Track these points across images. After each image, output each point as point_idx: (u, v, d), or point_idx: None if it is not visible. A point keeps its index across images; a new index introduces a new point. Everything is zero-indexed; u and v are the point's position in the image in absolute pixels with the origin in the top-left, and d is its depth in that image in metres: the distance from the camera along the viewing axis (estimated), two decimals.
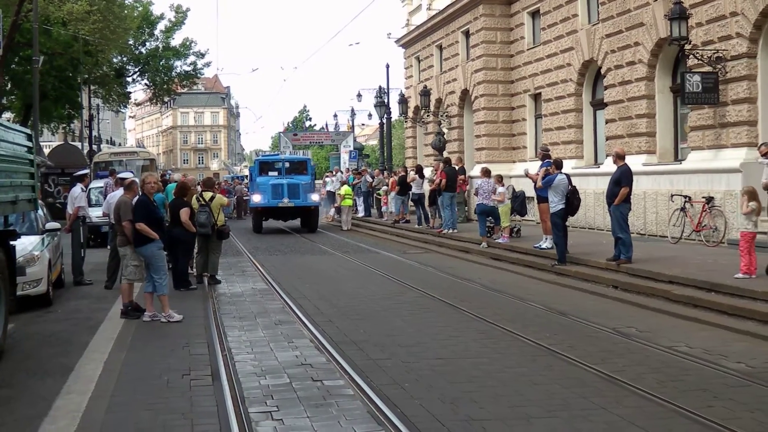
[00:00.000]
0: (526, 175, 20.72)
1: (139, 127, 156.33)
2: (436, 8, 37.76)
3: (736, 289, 13.10)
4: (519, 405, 8.09)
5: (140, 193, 13.93)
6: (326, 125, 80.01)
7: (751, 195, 14.23)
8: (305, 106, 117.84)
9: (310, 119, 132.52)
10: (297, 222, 35.42)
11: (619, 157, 16.63)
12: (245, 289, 16.84)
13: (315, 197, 33.92)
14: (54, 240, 16.59)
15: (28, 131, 14.16)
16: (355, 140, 69.21)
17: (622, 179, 16.28)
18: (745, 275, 13.70)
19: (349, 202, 35.96)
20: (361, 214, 38.90)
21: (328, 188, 41.53)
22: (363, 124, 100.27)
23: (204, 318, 13.52)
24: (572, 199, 17.88)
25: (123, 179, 18.10)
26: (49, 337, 12.24)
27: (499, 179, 22.79)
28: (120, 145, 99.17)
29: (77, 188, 18.61)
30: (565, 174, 18.21)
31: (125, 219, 13.23)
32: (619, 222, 16.36)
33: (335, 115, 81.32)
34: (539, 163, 20.22)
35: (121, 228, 13.53)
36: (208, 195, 17.78)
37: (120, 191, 17.30)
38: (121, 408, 8.23)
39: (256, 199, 32.96)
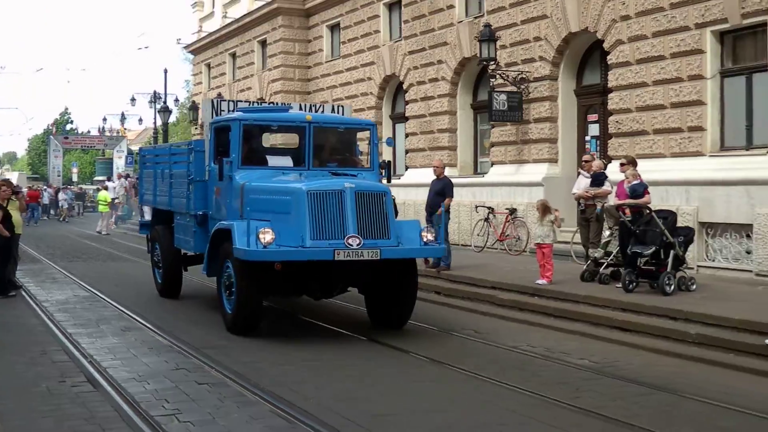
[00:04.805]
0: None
1: None
2: (232, 16, 37.82)
3: (559, 293, 14.22)
4: (413, 402, 8.64)
5: None
6: (100, 128, 77.80)
7: (546, 208, 15.43)
8: (66, 109, 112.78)
9: (71, 122, 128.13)
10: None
11: (441, 170, 17.61)
12: (68, 297, 16.50)
13: (429, 235, 12.81)
14: None
15: None
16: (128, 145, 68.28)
17: (446, 190, 17.23)
18: (545, 282, 14.85)
19: (106, 208, 37.77)
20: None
21: (110, 196, 40.39)
22: (127, 129, 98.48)
23: (43, 325, 13.25)
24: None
25: None
26: None
27: None
28: None
29: None
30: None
31: None
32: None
33: (104, 119, 79.42)
34: None
35: None
36: None
37: None
38: (14, 416, 8.05)
39: (267, 238, 11.63)
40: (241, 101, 15.91)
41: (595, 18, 19.01)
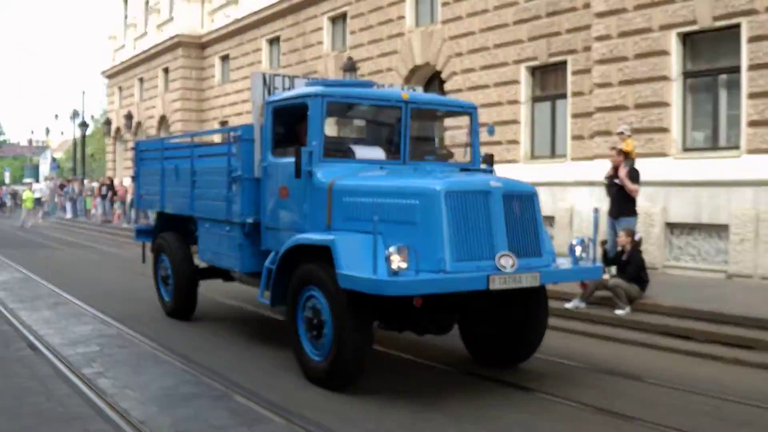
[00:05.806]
0: None
1: None
2: (141, 48, 37.10)
3: None
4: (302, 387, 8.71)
5: None
6: (29, 140, 75.32)
7: None
8: None
9: (3, 134, 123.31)
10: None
11: None
12: (7, 278, 15.85)
13: (582, 250, 7.89)
14: None
15: None
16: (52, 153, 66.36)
17: None
18: None
19: (30, 204, 35.55)
20: (69, 215, 37.54)
21: (37, 195, 39.32)
22: (51, 140, 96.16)
23: None
24: None
25: None
26: None
27: None
28: None
29: None
30: None
31: None
32: None
33: (32, 132, 76.94)
34: None
35: None
36: None
37: None
38: None
39: (400, 262, 6.34)
40: (297, 77, 9.57)
41: (436, 54, 19.47)
